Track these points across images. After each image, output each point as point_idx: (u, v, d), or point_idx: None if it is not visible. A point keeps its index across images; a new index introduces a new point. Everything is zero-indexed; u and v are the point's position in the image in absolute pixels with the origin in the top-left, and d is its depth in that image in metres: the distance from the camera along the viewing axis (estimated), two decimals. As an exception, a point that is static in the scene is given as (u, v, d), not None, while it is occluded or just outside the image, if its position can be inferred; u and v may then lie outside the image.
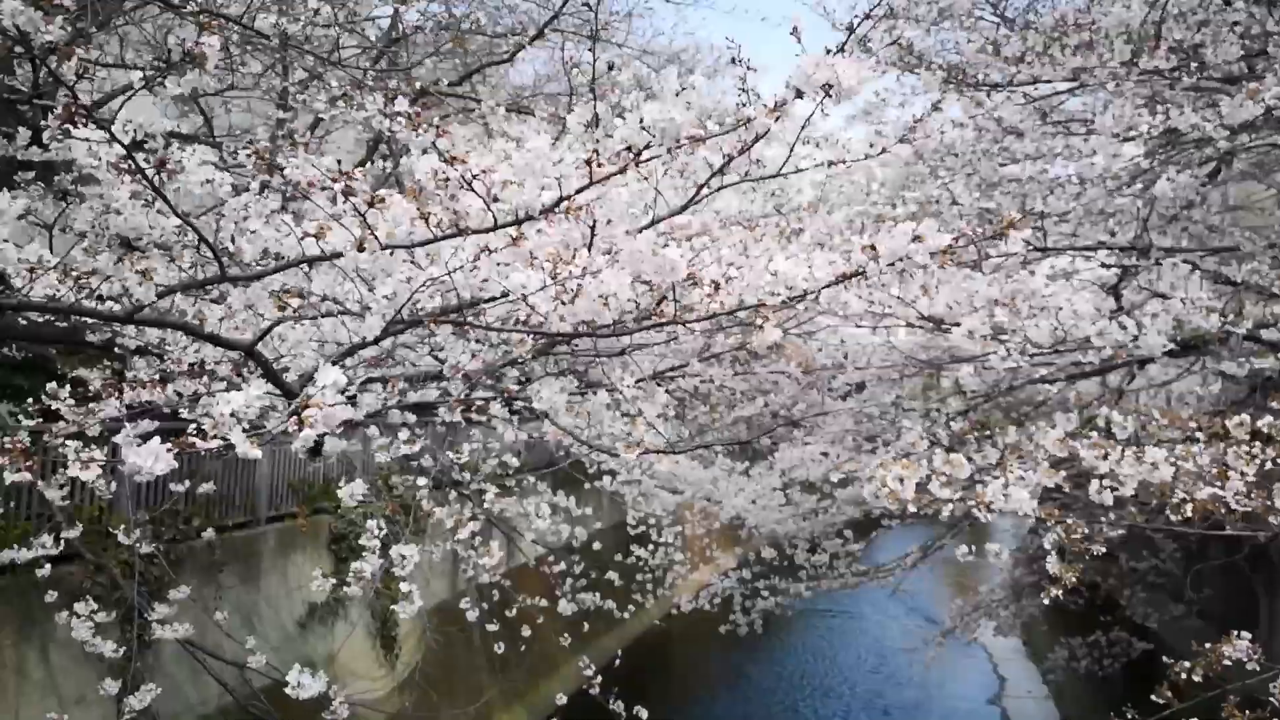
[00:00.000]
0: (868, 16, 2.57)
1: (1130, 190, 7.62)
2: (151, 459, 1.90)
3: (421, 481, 10.28)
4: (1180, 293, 5.42)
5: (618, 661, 13.33)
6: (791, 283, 2.29)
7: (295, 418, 1.88)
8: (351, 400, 4.03)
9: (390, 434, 4.48)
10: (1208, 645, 4.74)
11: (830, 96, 2.05)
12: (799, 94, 2.10)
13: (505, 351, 4.59)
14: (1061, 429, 3.91)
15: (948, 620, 15.03)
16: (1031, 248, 7.62)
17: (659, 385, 10.49)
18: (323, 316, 2.96)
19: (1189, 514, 3.61)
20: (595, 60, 5.26)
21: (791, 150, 3.49)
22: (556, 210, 2.26)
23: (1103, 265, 7.61)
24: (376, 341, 2.93)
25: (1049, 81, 5.51)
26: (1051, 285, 4.41)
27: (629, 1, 16.79)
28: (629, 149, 2.20)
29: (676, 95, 2.22)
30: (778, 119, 2.16)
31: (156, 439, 1.91)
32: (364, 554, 3.69)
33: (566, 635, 11.13)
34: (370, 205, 2.19)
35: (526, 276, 2.30)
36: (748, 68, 2.76)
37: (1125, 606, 14.81)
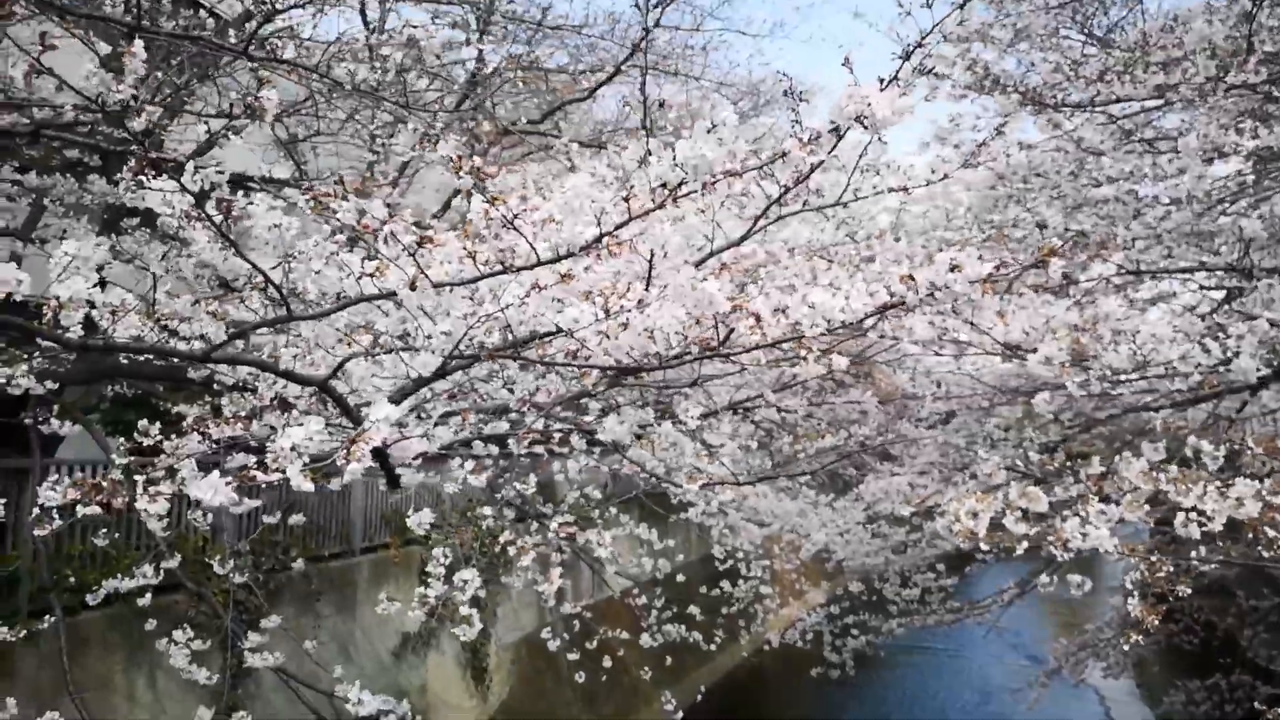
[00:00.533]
0: (920, 44, 2.53)
1: (1235, 208, 7.27)
2: (211, 491, 1.99)
3: (506, 512, 10.44)
4: (1275, 314, 5.14)
5: (700, 697, 13.17)
6: (829, 314, 2.27)
7: (345, 451, 1.95)
8: (427, 434, 4.14)
9: (472, 465, 4.58)
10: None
11: (865, 128, 2.03)
12: (835, 128, 2.10)
13: (575, 384, 4.64)
14: (1147, 460, 3.73)
15: (1052, 660, 14.37)
16: (1124, 271, 7.33)
17: (738, 415, 10.46)
18: (385, 353, 3.06)
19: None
20: (645, 99, 5.33)
21: (850, 179, 3.47)
22: (597, 246, 2.29)
23: (1201, 288, 7.26)
24: (440, 377, 3.01)
25: (1131, 100, 5.31)
26: (1129, 309, 4.22)
27: (705, 36, 17.04)
28: (664, 185, 2.22)
29: (708, 132, 2.23)
30: (812, 152, 2.15)
31: (216, 473, 2.01)
32: (429, 581, 3.75)
33: (649, 670, 11.08)
34: (420, 245, 2.27)
35: (580, 311, 2.34)
36: (799, 98, 2.76)
37: (1246, 647, 13.92)
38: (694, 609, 10.76)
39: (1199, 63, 4.54)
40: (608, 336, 2.25)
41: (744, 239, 3.10)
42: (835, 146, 2.77)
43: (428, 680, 12.11)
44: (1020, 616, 21.85)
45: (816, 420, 12.50)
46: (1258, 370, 4.02)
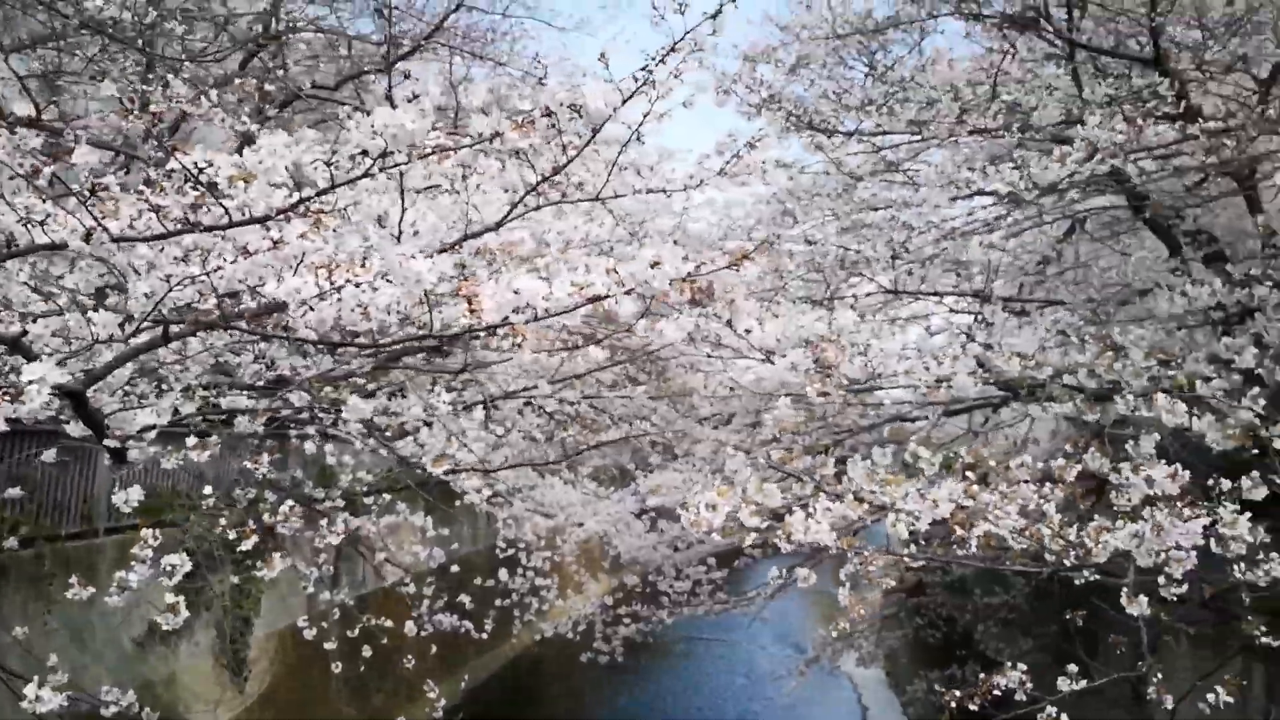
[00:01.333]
0: (672, 49, 2.61)
1: (987, 241, 8.02)
2: None
3: (272, 496, 9.93)
4: (1010, 339, 5.68)
5: (465, 687, 13.03)
6: (533, 301, 2.30)
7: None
8: (155, 406, 3.84)
9: (194, 441, 4.28)
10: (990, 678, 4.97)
11: (580, 116, 2.07)
12: (548, 112, 2.13)
13: (339, 363, 4.47)
14: (874, 463, 4.02)
15: (811, 649, 15.31)
16: (884, 290, 7.91)
17: (529, 405, 10.44)
18: (68, 312, 2.80)
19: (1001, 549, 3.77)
20: (390, 83, 5.23)
21: (610, 175, 3.53)
22: (296, 211, 2.21)
23: (951, 310, 7.96)
24: (164, 343, 2.80)
25: (890, 133, 5.75)
26: (860, 323, 4.56)
27: (512, 22, 16.95)
28: (364, 153, 2.18)
29: (409, 101, 2.21)
30: (527, 135, 2.17)
31: None
32: (134, 565, 3.44)
33: (419, 661, 10.86)
34: (92, 193, 2.09)
35: (302, 283, 2.24)
36: (540, 81, 2.79)
37: (979, 640, 15.35)
38: (465, 598, 10.63)
39: (945, 103, 4.97)
40: (310, 309, 2.16)
41: (500, 224, 3.08)
42: (590, 141, 2.81)
43: (177, 672, 11.33)
44: (791, 610, 23.13)
45: (601, 414, 12.71)
46: (976, 387, 4.43)
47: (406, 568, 10.71)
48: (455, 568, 11.29)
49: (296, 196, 2.16)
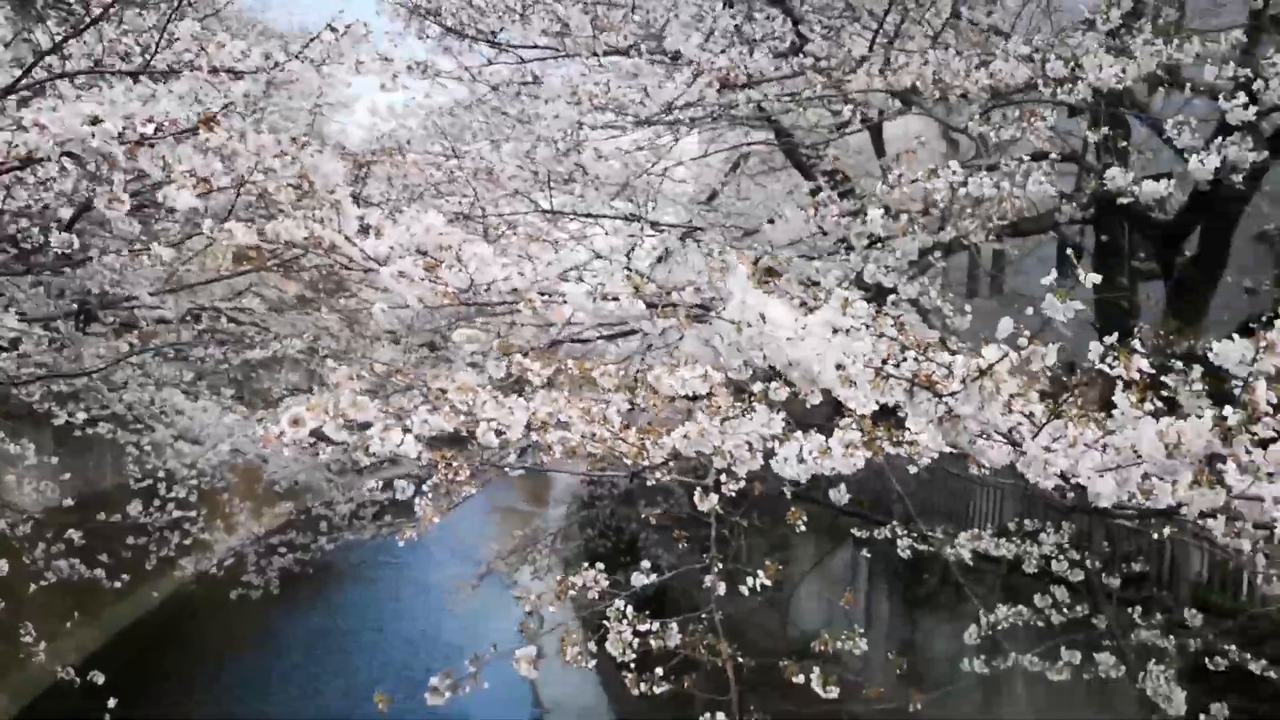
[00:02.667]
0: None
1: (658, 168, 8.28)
2: None
3: None
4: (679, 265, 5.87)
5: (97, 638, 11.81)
6: None
7: None
8: None
9: None
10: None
11: None
12: None
13: None
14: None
15: (485, 565, 15.56)
16: (539, 209, 7.93)
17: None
18: None
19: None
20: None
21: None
22: None
23: (606, 233, 8.18)
24: None
25: (525, 46, 5.68)
26: (468, 236, 4.49)
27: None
28: None
29: None
30: None
31: None
32: None
33: (48, 613, 9.67)
34: None
35: None
36: None
37: (643, 548, 16.40)
38: (76, 537, 9.47)
39: (575, 17, 4.97)
40: None
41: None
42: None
43: None
44: (483, 531, 23.40)
45: (263, 330, 11.84)
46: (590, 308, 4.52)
47: (22, 508, 9.41)
48: (69, 502, 10.06)
49: None
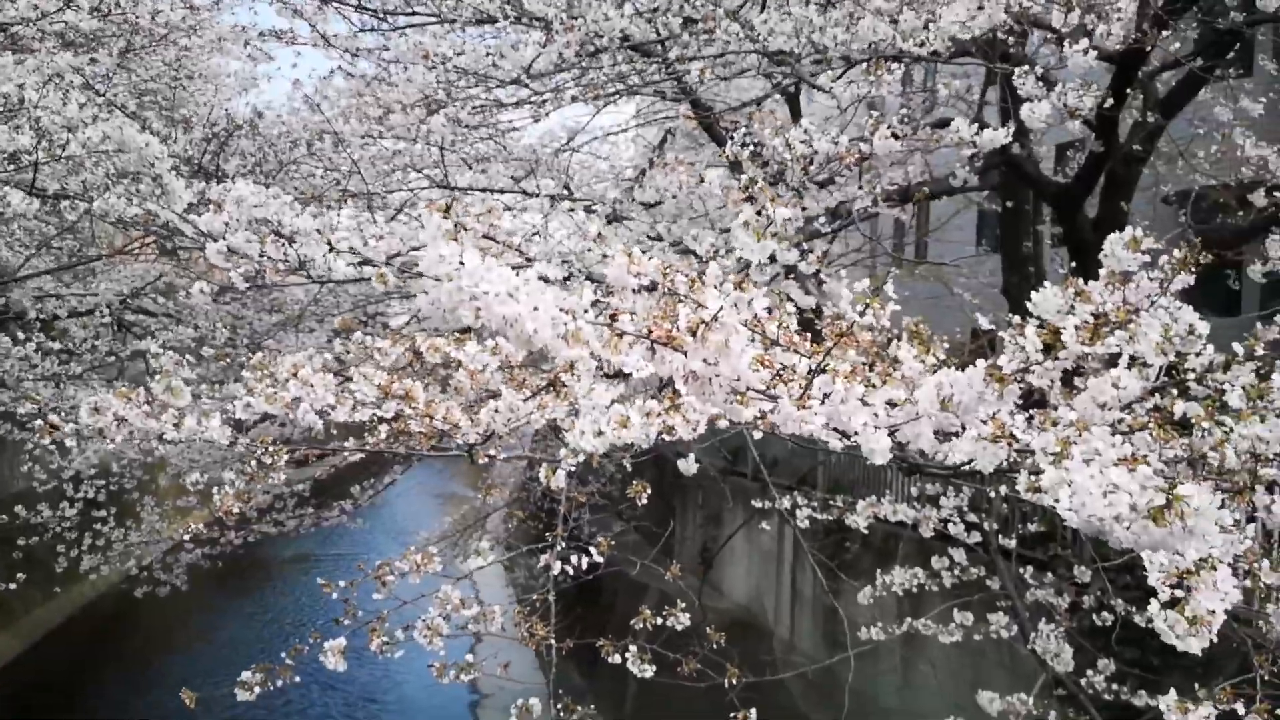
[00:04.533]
0: None
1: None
2: None
3: None
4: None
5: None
6: None
7: None
8: None
9: None
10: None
11: None
12: None
13: None
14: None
15: (430, 549, 15.41)
16: (437, 184, 7.77)
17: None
18: None
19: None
20: None
21: None
22: None
23: (512, 211, 8.06)
24: None
25: (394, 12, 5.47)
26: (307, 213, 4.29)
27: None
28: None
29: None
30: None
31: None
32: None
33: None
34: None
35: None
36: None
37: (576, 526, 16.33)
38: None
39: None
40: None
41: None
42: None
43: None
44: (430, 520, 23.20)
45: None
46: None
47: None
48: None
49: None
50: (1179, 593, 1.55)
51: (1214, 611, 1.50)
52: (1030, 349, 1.80)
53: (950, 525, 6.47)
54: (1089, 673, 5.66)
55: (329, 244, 3.42)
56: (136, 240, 4.95)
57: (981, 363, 1.81)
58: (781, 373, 1.80)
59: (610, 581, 17.89)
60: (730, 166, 8.75)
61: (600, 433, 2.31)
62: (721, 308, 1.67)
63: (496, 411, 2.78)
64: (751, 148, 9.97)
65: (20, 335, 8.40)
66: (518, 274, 1.79)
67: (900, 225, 16.69)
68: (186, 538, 10.64)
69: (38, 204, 3.69)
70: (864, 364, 2.19)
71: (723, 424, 2.40)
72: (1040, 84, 4.14)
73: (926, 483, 7.65)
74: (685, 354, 1.72)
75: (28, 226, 5.60)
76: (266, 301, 12.84)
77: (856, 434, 1.91)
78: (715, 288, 1.70)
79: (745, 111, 9.15)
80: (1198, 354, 2.09)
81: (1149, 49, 6.94)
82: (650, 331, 1.72)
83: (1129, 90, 7.61)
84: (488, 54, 4.57)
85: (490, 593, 20.38)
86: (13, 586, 9.66)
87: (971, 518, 6.43)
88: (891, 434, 2.08)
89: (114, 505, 11.14)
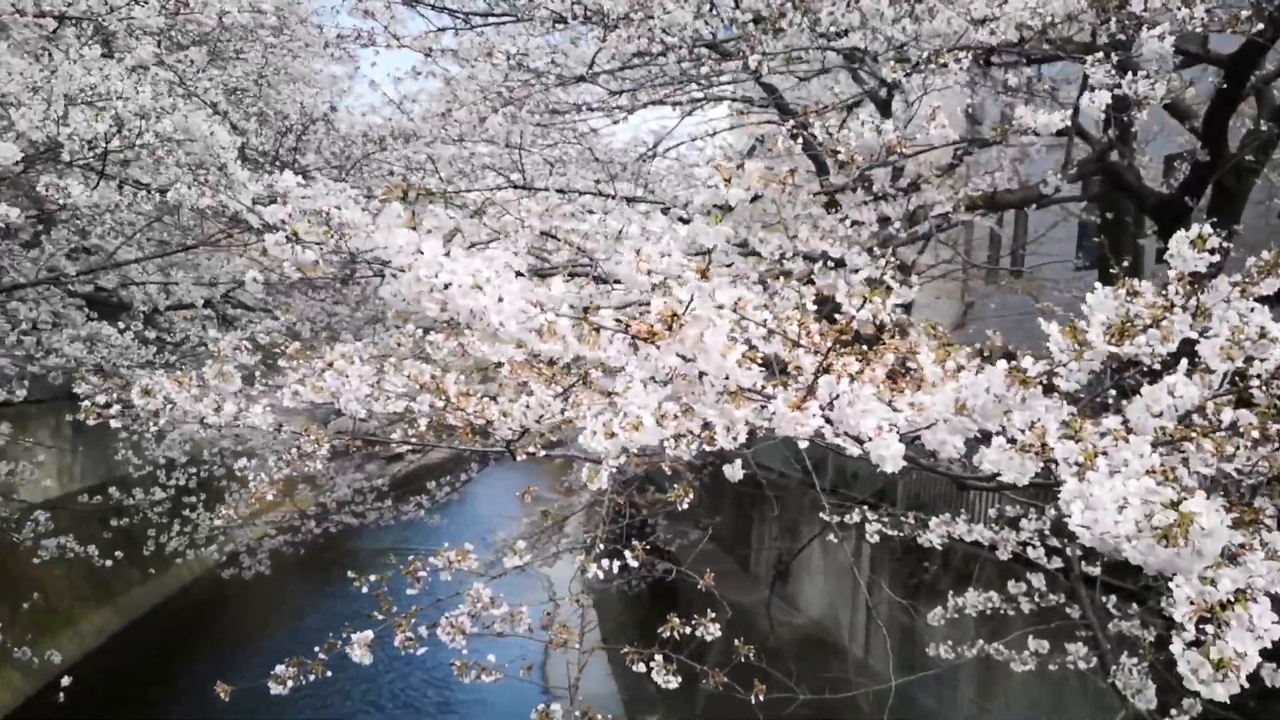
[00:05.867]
0: None
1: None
2: None
3: None
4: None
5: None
6: None
7: None
8: None
9: None
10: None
11: None
12: None
13: None
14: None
15: (491, 549, 15.58)
16: (512, 184, 7.82)
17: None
18: None
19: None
20: None
21: None
22: None
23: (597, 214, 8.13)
24: None
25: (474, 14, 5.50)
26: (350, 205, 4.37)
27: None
28: None
29: None
30: None
31: None
32: None
33: (56, 597, 9.81)
34: None
35: None
36: None
37: (651, 532, 16.30)
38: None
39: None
40: None
41: None
42: None
43: None
44: (505, 513, 23.47)
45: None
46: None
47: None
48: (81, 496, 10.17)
49: None
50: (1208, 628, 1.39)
51: (1245, 654, 1.33)
52: (1056, 349, 1.65)
53: (1030, 549, 6.17)
54: (1173, 712, 5.30)
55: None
56: (220, 232, 5.15)
57: (1002, 363, 1.67)
58: (784, 371, 1.70)
59: (685, 591, 17.74)
60: (817, 169, 8.58)
61: (613, 434, 2.24)
62: (693, 299, 1.58)
63: (528, 407, 2.74)
64: (836, 151, 9.74)
65: (122, 325, 8.82)
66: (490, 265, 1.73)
67: (996, 237, 16.11)
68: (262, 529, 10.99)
69: (95, 195, 3.85)
70: (897, 367, 2.07)
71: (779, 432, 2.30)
72: (1113, 73, 3.88)
73: (1007, 503, 7.32)
74: (659, 348, 1.63)
75: (125, 219, 5.89)
76: (352, 298, 13.21)
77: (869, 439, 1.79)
78: (697, 277, 1.60)
79: (833, 114, 8.98)
80: (1263, 360, 1.90)
81: (1264, 51, 6.49)
82: (627, 326, 1.64)
83: (1240, 95, 7.14)
84: (550, 52, 4.56)
85: (563, 592, 20.48)
86: (109, 564, 10.12)
87: (1054, 542, 6.11)
88: (912, 441, 1.95)
89: (203, 492, 11.59)
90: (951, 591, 6.81)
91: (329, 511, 10.95)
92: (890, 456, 1.74)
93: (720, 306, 1.60)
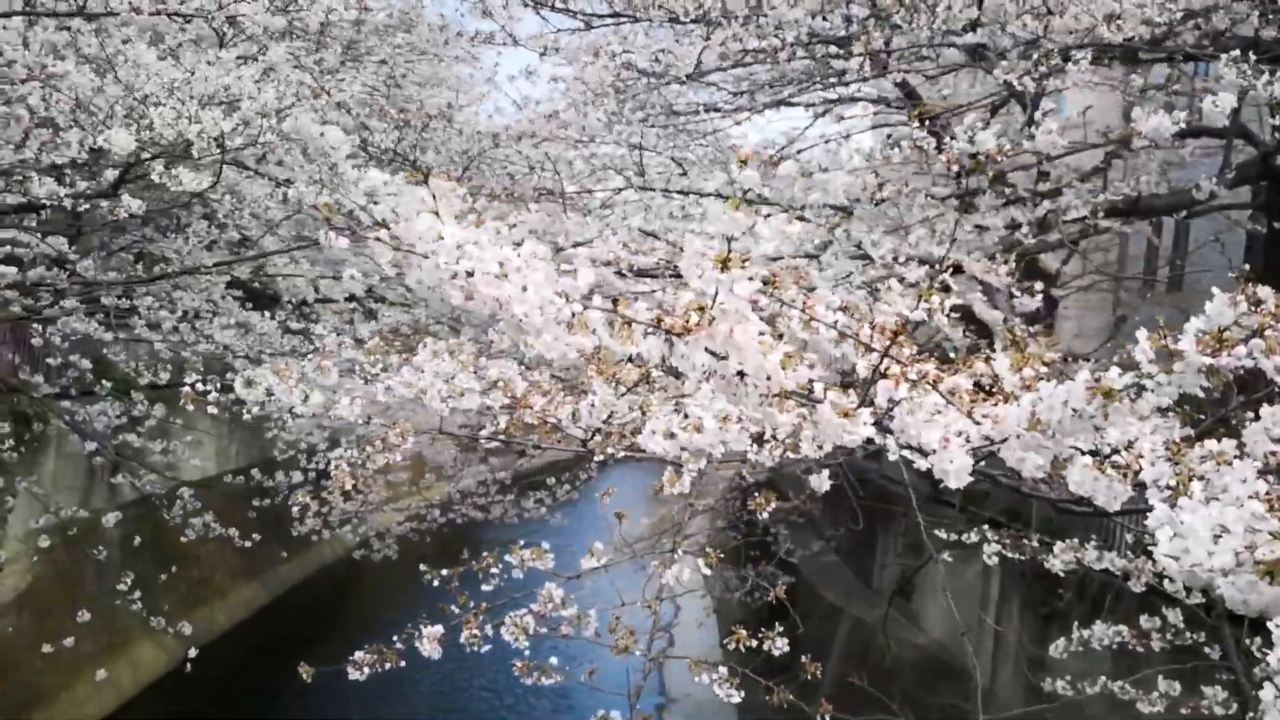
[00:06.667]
0: None
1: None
2: None
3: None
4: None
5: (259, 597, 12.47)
6: None
7: None
8: None
9: None
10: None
11: None
12: None
13: None
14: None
15: (612, 550, 15.67)
16: (631, 185, 7.84)
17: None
18: None
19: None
20: None
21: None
22: None
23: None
24: None
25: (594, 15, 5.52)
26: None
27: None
28: None
29: None
30: None
31: None
32: None
33: (216, 567, 10.50)
34: None
35: None
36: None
37: (772, 542, 16.03)
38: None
39: None
40: None
41: None
42: None
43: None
44: (628, 514, 23.67)
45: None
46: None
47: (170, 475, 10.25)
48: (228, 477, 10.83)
49: None
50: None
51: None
52: (1144, 360, 1.48)
53: (1168, 581, 5.71)
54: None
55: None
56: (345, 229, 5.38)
57: (1083, 374, 1.52)
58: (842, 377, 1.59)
59: (805, 602, 17.36)
60: (956, 174, 8.22)
61: (671, 435, 2.17)
62: (718, 292, 1.49)
63: (592, 407, 2.71)
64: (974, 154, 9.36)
65: (268, 315, 9.33)
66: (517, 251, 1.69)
67: (1153, 247, 15.05)
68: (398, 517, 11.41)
69: (255, 187, 4.11)
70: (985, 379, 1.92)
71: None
72: (1247, 73, 3.52)
73: (1146, 531, 6.80)
74: (686, 344, 1.54)
75: (260, 212, 6.27)
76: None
77: (932, 451, 1.66)
78: (720, 269, 1.51)
79: (977, 114, 8.59)
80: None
81: None
82: (660, 320, 1.57)
83: None
84: (658, 52, 4.52)
85: (686, 601, 20.42)
86: (251, 542, 10.71)
87: (1193, 575, 5.63)
88: (988, 456, 1.80)
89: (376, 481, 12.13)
90: (1077, 623, 6.38)
91: (453, 502, 11.27)
92: (955, 471, 1.61)
93: (755, 301, 1.50)
